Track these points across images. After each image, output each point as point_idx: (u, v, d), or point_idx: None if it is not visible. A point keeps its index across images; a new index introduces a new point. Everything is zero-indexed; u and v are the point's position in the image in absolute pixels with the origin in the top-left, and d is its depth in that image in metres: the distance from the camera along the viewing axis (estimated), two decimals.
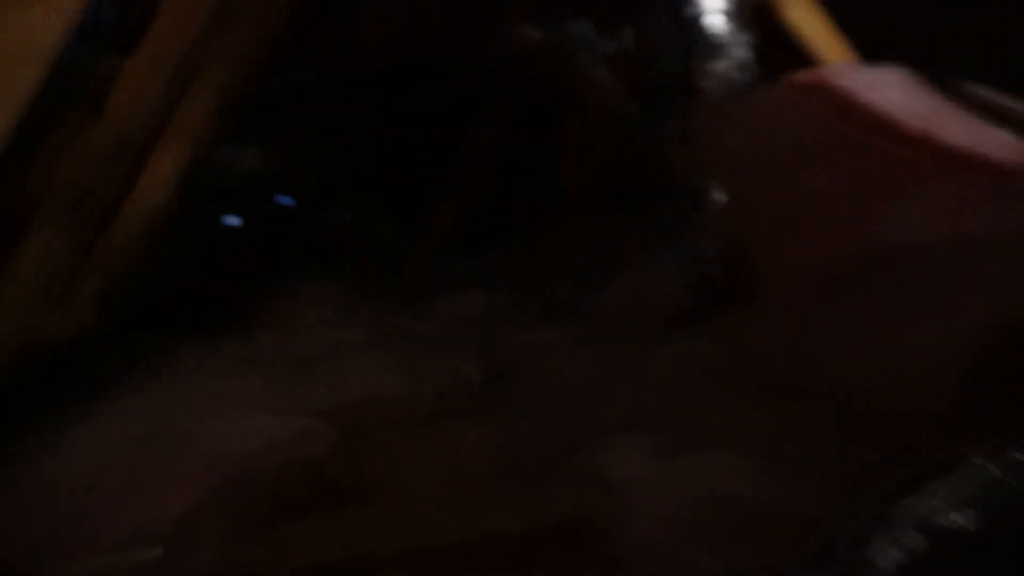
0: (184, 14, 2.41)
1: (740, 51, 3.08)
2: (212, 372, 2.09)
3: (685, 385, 1.96)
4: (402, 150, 5.96)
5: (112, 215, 2.75)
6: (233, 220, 5.85)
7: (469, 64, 4.77)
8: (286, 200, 5.93)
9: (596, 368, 2.10)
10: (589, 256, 3.95)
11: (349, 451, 1.57)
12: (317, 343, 2.14)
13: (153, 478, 1.78)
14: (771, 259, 2.51)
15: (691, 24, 3.06)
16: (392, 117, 5.72)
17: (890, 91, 2.86)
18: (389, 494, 1.54)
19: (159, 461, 1.81)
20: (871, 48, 3.43)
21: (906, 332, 1.96)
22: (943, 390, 1.77)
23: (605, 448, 1.63)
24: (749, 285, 2.83)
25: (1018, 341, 1.93)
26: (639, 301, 3.05)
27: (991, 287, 2.10)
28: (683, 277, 3.18)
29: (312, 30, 4.42)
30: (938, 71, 2.88)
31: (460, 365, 1.91)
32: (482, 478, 1.53)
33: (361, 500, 1.54)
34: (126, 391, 2.08)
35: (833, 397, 1.83)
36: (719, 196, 3.12)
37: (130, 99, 2.40)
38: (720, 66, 3.08)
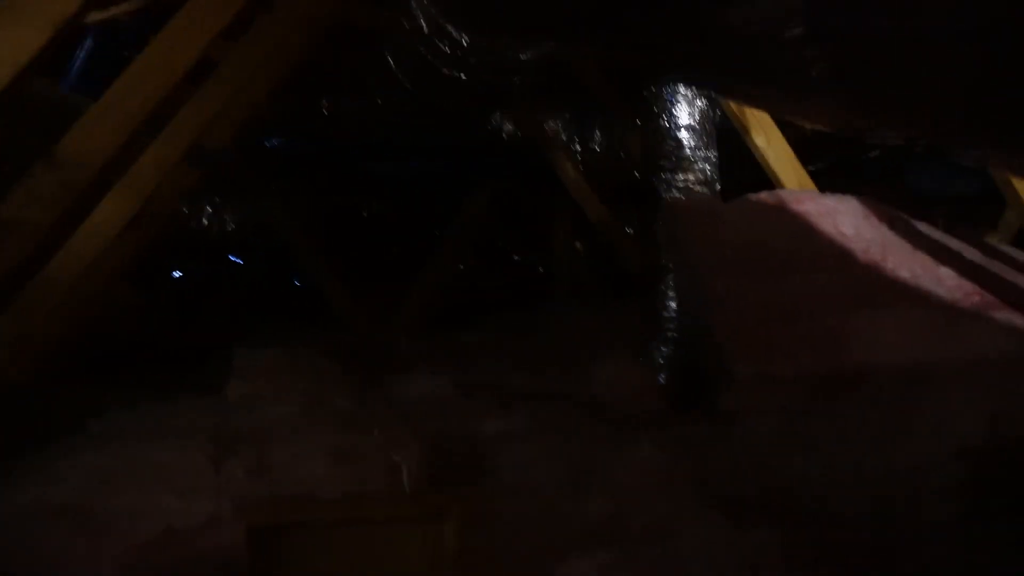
0: (157, 69, 2.29)
1: (704, 166, 3.12)
2: (132, 440, 1.85)
3: (651, 498, 1.78)
4: (377, 222, 5.87)
5: (43, 259, 2.53)
6: (186, 276, 5.62)
7: (453, 146, 4.77)
8: (243, 260, 5.74)
9: (553, 469, 1.91)
10: (549, 347, 3.83)
11: (260, 550, 1.34)
12: (245, 417, 1.92)
13: (57, 558, 1.52)
14: (742, 367, 2.42)
15: (661, 135, 3.09)
16: (372, 189, 5.67)
17: (843, 219, 2.91)
18: None
19: (65, 539, 1.55)
20: (826, 176, 3.55)
21: (889, 454, 1.86)
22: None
23: (556, 570, 1.43)
24: (715, 392, 2.74)
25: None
26: (599, 398, 2.91)
27: (952, 415, 2.06)
28: (643, 377, 3.08)
29: (302, 97, 4.39)
30: (888, 202, 2.97)
31: (402, 457, 1.71)
32: None
33: None
34: (46, 454, 1.83)
35: (807, 522, 1.67)
36: (680, 299, 3.07)
37: (82, 145, 2.24)
38: (684, 178, 3.10)
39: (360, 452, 1.72)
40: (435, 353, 3.64)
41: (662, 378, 3.01)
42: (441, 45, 2.54)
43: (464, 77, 2.74)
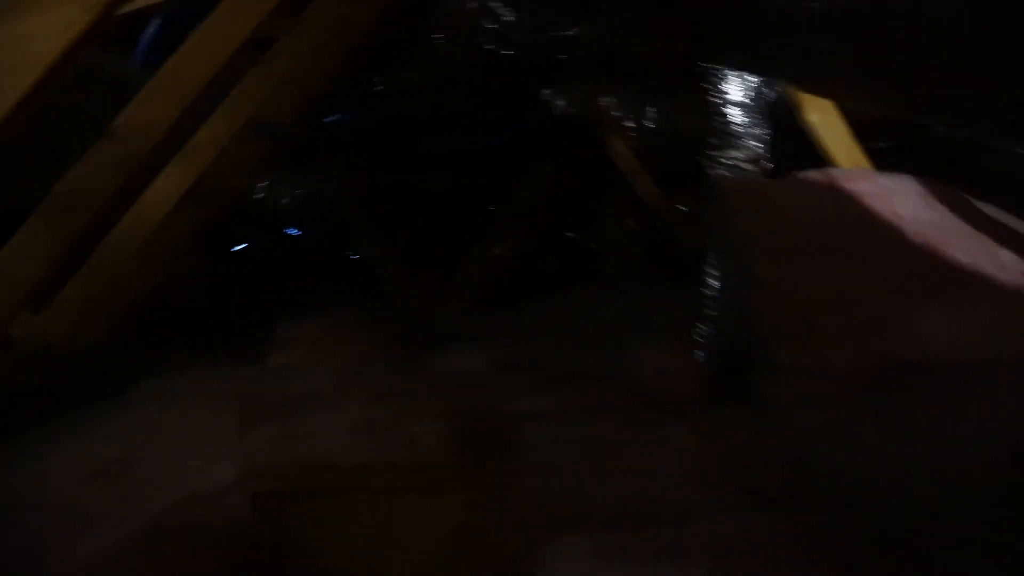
0: (210, 45, 2.33)
1: (754, 143, 2.99)
2: (172, 403, 1.91)
3: (675, 482, 1.73)
4: (433, 198, 5.88)
5: (107, 228, 2.63)
6: (246, 247, 5.79)
7: (509, 124, 4.71)
8: (302, 232, 5.86)
9: (581, 449, 1.87)
10: (594, 327, 3.77)
11: (278, 516, 1.36)
12: (280, 386, 1.95)
13: (91, 515, 1.59)
14: (783, 356, 2.32)
15: (711, 112, 2.98)
16: (428, 165, 5.67)
17: (899, 200, 2.72)
18: (308, 571, 1.32)
19: (100, 498, 1.62)
20: (893, 156, 3.32)
21: (935, 455, 1.75)
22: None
23: (547, 552, 1.40)
24: (754, 379, 2.64)
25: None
26: (638, 380, 2.85)
27: (1008, 415, 1.93)
28: (686, 361, 2.99)
29: (359, 75, 4.41)
30: (947, 183, 2.77)
31: (421, 431, 1.70)
32: (419, 569, 1.30)
33: None
34: (92, 414, 1.92)
35: (836, 517, 1.59)
36: (724, 282, 2.97)
37: (140, 118, 2.30)
38: (733, 155, 2.99)
39: (383, 425, 1.73)
40: (479, 330, 3.63)
41: (703, 363, 2.92)
42: (487, 24, 2.50)
43: (511, 54, 2.69)
